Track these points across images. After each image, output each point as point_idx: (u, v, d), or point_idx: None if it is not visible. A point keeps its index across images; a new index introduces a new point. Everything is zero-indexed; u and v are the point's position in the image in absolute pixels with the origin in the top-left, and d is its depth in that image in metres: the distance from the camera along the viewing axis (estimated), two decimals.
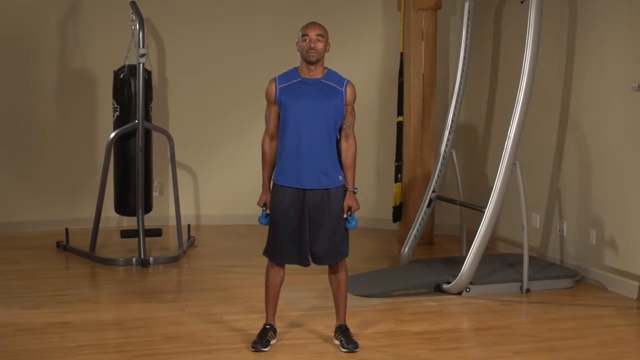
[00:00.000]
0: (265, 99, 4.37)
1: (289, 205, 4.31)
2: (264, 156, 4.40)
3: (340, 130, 4.36)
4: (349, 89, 4.32)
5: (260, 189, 4.42)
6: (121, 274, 6.17)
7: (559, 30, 6.23)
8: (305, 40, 4.26)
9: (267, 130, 4.40)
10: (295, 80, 4.30)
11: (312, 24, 4.32)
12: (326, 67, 4.35)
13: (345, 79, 4.33)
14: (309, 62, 4.27)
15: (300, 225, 4.32)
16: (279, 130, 4.34)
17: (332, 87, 4.29)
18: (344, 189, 4.37)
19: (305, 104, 4.25)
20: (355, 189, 4.40)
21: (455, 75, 6.51)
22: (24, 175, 7.67)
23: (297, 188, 4.29)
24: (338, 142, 4.35)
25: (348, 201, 4.36)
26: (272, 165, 4.39)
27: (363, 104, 7.58)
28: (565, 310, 5.34)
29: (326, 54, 4.32)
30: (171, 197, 7.13)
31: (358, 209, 4.39)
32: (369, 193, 7.96)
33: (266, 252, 4.45)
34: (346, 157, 4.37)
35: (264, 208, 4.41)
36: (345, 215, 4.36)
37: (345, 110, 4.32)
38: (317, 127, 4.26)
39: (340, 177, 4.35)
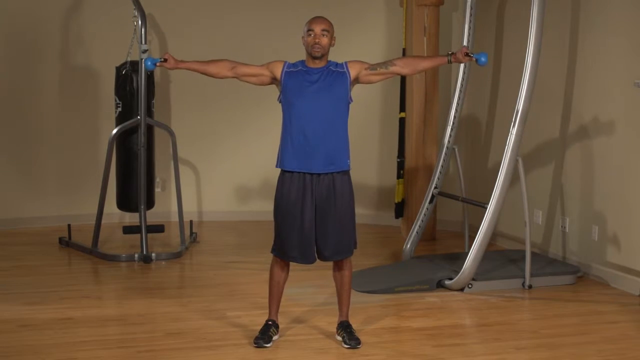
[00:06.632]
0: (266, 62, 4.37)
1: (296, 199, 4.30)
2: (212, 61, 4.37)
3: (380, 65, 4.38)
4: (350, 65, 4.35)
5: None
6: (123, 270, 6.17)
7: (562, 26, 6.22)
8: (310, 35, 4.26)
9: (237, 62, 4.38)
10: (301, 68, 4.32)
11: (317, 19, 4.32)
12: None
13: (341, 63, 4.36)
14: (313, 57, 4.29)
15: (307, 222, 4.31)
16: (284, 117, 4.32)
17: (336, 72, 4.32)
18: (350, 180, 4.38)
19: (313, 90, 4.26)
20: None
21: (457, 71, 6.50)
22: (26, 171, 7.67)
23: (303, 173, 4.28)
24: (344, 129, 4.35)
25: (458, 56, 4.33)
26: (204, 66, 4.37)
27: (365, 100, 7.64)
28: (567, 307, 5.34)
29: (330, 48, 4.33)
30: (173, 193, 7.13)
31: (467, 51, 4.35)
32: (371, 189, 7.96)
33: (273, 250, 4.45)
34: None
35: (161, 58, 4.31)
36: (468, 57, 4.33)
37: (367, 69, 4.34)
38: (324, 112, 4.26)
39: (348, 161, 4.35)
